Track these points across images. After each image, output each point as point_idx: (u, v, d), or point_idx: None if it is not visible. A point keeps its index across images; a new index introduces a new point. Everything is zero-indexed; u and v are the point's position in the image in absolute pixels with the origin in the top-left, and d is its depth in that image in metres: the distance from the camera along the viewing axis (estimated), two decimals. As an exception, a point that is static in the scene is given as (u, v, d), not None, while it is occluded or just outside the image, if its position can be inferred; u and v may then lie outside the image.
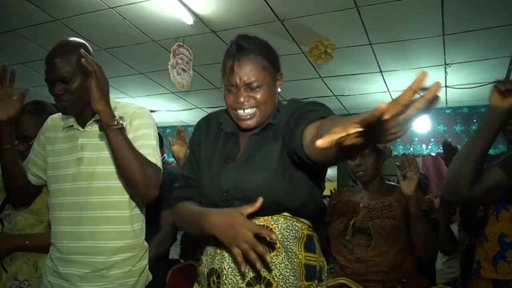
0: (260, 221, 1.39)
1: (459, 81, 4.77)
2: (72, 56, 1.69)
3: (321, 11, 3.46)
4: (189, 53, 3.96)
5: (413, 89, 0.74)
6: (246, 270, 1.33)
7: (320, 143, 0.80)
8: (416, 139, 5.72)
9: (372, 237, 2.36)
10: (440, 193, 4.83)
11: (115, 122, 1.60)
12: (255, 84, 1.46)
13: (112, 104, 1.83)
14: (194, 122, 6.60)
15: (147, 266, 1.88)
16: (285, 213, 1.41)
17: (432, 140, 5.65)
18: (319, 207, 1.49)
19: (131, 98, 5.77)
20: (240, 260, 1.26)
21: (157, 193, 1.73)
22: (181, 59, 3.83)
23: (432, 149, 5.65)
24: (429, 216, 2.46)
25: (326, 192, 2.95)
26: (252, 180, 1.39)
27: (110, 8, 3.57)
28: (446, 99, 5.34)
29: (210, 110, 5.86)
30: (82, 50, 1.60)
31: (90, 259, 1.70)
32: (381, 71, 4.56)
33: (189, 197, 1.55)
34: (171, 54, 3.84)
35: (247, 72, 1.46)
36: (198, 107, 6.03)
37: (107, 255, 1.71)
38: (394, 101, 0.76)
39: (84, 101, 1.70)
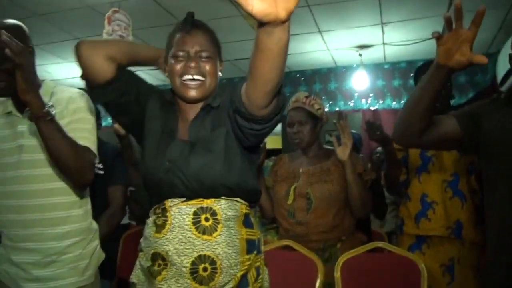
0: (204, 204, 1.47)
1: (396, 39, 4.93)
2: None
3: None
4: (127, 18, 3.86)
5: None
6: (191, 250, 1.42)
7: None
8: (356, 94, 5.89)
9: (312, 201, 2.51)
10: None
11: (45, 113, 1.59)
12: (205, 53, 1.53)
13: (50, 89, 1.82)
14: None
15: (98, 246, 1.94)
16: (225, 196, 1.50)
17: (371, 95, 5.84)
18: (255, 189, 1.59)
19: (69, 63, 5.59)
20: None
21: (92, 177, 1.76)
22: (117, 25, 3.74)
23: (372, 104, 5.84)
24: (364, 177, 2.62)
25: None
26: (197, 161, 1.46)
27: (39, -26, 3.43)
28: (384, 55, 5.51)
29: (152, 72, 5.83)
30: (4, 36, 1.52)
31: (40, 246, 1.74)
32: (320, 31, 4.65)
33: None
34: (106, 21, 3.73)
35: (200, 40, 1.53)
36: (140, 69, 5.92)
37: (56, 241, 1.76)
38: None
39: None
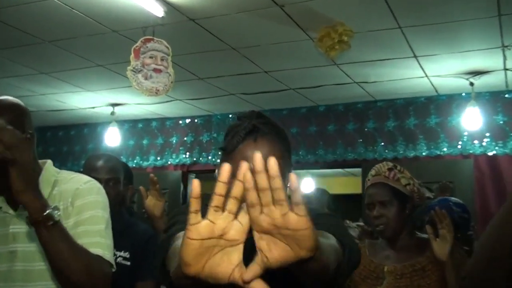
0: None
1: (522, 63, 4.83)
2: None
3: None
4: (165, 46, 3.90)
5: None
6: None
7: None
8: (466, 133, 5.68)
9: (400, 312, 2.47)
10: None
11: (47, 217, 1.59)
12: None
13: (52, 177, 1.87)
14: (173, 115, 6.92)
15: None
16: None
17: (487, 134, 5.61)
18: None
19: (90, 92, 5.87)
20: None
21: None
22: (150, 57, 3.84)
23: (488, 147, 5.62)
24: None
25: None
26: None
27: (51, -2, 3.64)
28: (506, 82, 5.38)
29: (192, 102, 5.98)
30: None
31: None
32: (415, 56, 4.63)
33: None
34: (132, 55, 3.78)
35: (266, 150, 1.57)
36: (177, 99, 6.10)
37: None
38: None
39: None
